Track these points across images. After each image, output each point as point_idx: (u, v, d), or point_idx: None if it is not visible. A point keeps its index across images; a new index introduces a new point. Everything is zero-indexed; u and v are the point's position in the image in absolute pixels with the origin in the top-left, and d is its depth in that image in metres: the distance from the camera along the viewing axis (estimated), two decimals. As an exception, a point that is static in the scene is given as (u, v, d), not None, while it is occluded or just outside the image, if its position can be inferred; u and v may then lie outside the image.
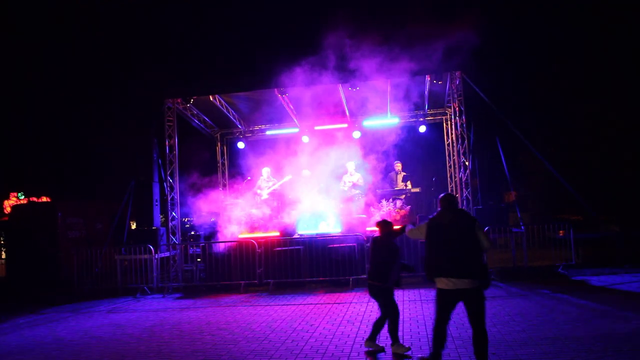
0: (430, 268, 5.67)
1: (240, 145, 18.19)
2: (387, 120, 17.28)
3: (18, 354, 7.80)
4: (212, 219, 15.95)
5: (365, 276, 11.54)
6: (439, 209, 5.86)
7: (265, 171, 16.04)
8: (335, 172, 15.66)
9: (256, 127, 18.71)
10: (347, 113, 16.93)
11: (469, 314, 5.52)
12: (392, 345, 6.68)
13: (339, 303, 10.32)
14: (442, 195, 5.95)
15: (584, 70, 22.69)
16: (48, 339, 8.72)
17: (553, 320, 7.89)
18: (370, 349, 6.79)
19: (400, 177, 15.45)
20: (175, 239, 14.77)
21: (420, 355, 6.36)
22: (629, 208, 20.39)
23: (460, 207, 7.62)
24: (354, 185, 15.30)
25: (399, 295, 10.37)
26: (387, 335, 6.75)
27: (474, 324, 5.48)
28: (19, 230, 16.84)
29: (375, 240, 7.04)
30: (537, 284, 11.30)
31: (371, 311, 9.27)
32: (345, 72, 13.30)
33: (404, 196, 14.85)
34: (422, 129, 16.65)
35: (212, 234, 14.39)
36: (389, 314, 6.72)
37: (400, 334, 7.05)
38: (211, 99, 15.39)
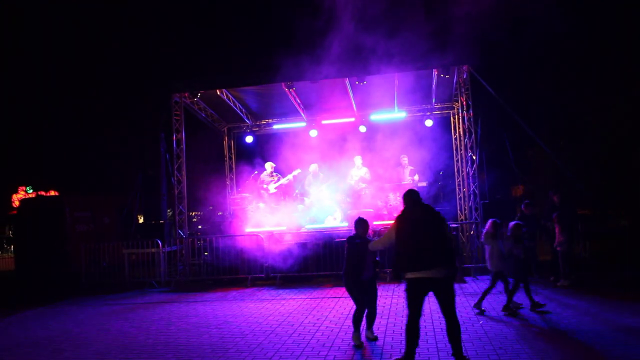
0: (403, 263, 5.67)
1: (249, 139, 17.99)
2: (394, 114, 17.21)
3: (27, 346, 7.87)
4: (219, 213, 15.98)
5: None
6: (405, 205, 5.94)
7: (269, 165, 15.96)
8: (342, 166, 15.65)
9: (263, 121, 18.67)
10: (354, 107, 16.87)
11: (440, 305, 5.64)
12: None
13: (345, 297, 10.27)
14: (406, 191, 6.03)
15: (595, 63, 22.47)
16: (56, 331, 8.78)
17: (560, 313, 7.86)
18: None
19: (407, 171, 15.41)
20: (183, 233, 14.81)
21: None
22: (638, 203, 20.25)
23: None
24: (361, 179, 15.28)
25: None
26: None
27: (447, 314, 5.59)
28: (28, 224, 16.90)
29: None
30: (544, 278, 11.28)
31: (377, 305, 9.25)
32: (352, 66, 13.25)
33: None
34: (429, 123, 16.51)
35: (219, 228, 14.40)
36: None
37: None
38: (218, 93, 15.36)
